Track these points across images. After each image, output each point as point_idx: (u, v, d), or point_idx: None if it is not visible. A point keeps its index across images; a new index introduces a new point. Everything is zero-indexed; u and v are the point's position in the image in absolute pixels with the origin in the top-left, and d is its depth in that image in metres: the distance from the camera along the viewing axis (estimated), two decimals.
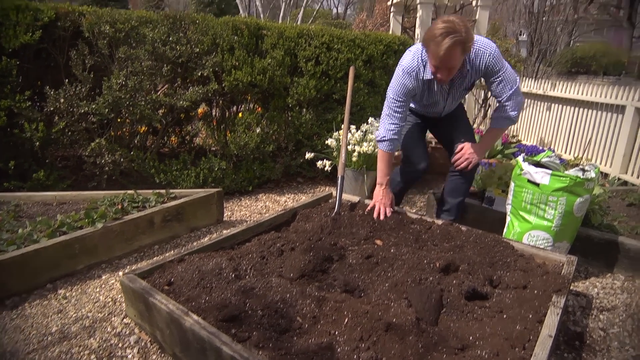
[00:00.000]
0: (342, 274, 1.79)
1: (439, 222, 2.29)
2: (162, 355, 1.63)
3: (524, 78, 6.16)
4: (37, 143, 2.94)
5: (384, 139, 2.32)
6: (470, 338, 1.45)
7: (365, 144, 3.14)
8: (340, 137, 3.16)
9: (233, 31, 3.29)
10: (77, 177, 3.27)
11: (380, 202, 2.33)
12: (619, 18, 25.54)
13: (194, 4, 20.13)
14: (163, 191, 2.74)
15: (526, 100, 5.74)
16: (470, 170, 2.41)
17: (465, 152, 2.38)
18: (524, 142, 5.32)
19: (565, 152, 4.95)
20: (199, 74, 3.23)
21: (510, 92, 2.21)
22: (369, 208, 2.36)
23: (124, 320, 1.84)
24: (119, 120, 3.20)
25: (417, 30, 5.18)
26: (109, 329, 1.78)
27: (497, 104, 2.33)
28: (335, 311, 1.51)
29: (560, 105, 5.06)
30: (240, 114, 3.61)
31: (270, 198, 3.47)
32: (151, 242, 2.51)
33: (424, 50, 2.13)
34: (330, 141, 3.30)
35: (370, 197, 2.82)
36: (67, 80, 3.00)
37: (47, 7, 3.01)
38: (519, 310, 1.58)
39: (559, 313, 1.55)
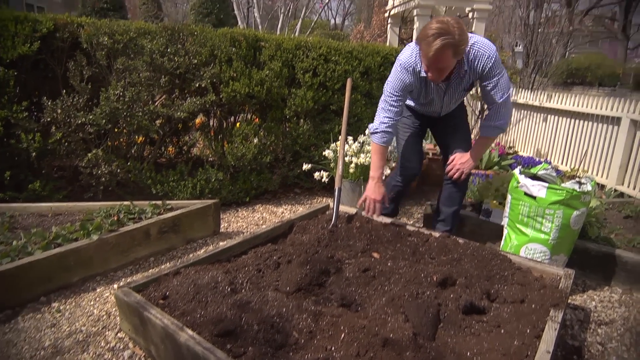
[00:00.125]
0: (339, 288, 1.78)
1: (436, 234, 2.29)
2: None
3: (520, 89, 6.21)
4: (34, 153, 2.93)
5: (377, 130, 2.33)
6: (468, 354, 1.43)
7: (362, 155, 3.14)
8: (338, 148, 3.16)
9: (231, 43, 3.31)
10: (73, 188, 3.25)
11: (370, 197, 2.32)
12: (613, 30, 25.86)
13: (192, 14, 20.28)
14: (159, 202, 2.73)
15: (522, 111, 5.77)
16: (464, 179, 2.42)
17: (456, 163, 2.39)
18: (520, 153, 5.34)
19: (562, 163, 4.97)
20: (197, 85, 3.24)
21: (501, 99, 2.21)
22: (360, 202, 2.36)
23: (118, 334, 1.81)
24: (116, 130, 3.20)
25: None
26: (102, 344, 1.76)
27: (487, 111, 2.32)
28: (332, 326, 1.50)
29: (557, 117, 5.09)
30: (238, 124, 3.62)
31: (267, 209, 3.46)
32: (147, 254, 2.49)
33: None
34: (327, 152, 3.30)
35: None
36: (64, 90, 3.00)
37: (45, 18, 3.02)
38: (517, 325, 1.57)
39: (556, 328, 1.54)
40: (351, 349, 1.38)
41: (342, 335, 1.44)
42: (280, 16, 6.50)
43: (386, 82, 2.30)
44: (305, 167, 3.33)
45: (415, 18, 5.20)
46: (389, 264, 1.95)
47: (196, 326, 1.50)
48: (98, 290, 2.16)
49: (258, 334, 1.46)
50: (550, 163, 4.61)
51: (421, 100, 2.41)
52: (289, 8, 6.76)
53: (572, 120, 4.83)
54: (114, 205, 2.64)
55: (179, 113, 3.16)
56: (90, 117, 2.96)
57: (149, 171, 3.22)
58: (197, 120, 3.76)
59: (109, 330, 1.84)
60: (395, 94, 2.26)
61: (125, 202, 2.67)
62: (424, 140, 4.28)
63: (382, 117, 2.31)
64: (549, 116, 5.23)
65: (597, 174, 4.46)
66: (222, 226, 3.01)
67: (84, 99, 3.01)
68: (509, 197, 2.28)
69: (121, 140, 3.32)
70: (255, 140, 3.43)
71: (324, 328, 1.50)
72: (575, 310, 2.14)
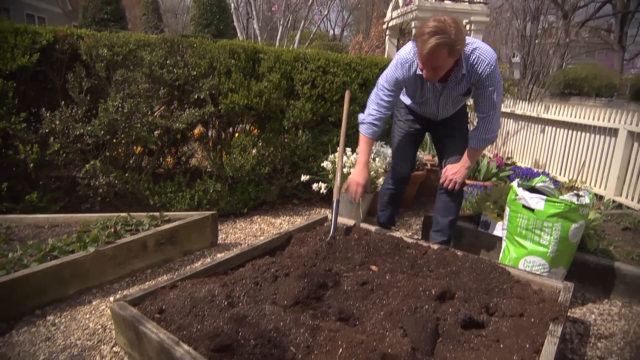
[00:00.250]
0: (337, 302, 1.77)
1: (435, 246, 2.28)
2: None
3: (518, 100, 6.25)
4: (31, 164, 2.93)
5: (363, 121, 2.37)
6: None
7: None
8: (336, 159, 3.16)
9: (230, 55, 3.33)
10: (70, 199, 3.24)
11: (354, 180, 2.34)
12: (609, 41, 26.11)
13: (192, 25, 20.45)
14: (157, 214, 2.72)
15: (520, 122, 5.80)
16: (458, 189, 2.43)
17: (448, 174, 2.40)
18: (518, 164, 5.35)
19: (560, 174, 4.98)
20: (196, 97, 3.25)
21: (492, 110, 2.21)
22: (344, 186, 2.37)
23: (114, 348, 1.79)
24: (114, 141, 3.20)
25: None
26: (98, 358, 1.74)
27: (477, 121, 2.31)
28: (330, 341, 1.49)
29: (554, 128, 5.11)
30: (236, 135, 3.62)
31: (265, 220, 3.45)
32: (144, 266, 2.48)
33: None
34: (325, 163, 3.30)
35: (366, 220, 2.81)
36: (63, 102, 3.01)
37: (45, 30, 3.03)
38: (516, 340, 1.56)
39: (556, 342, 1.53)
40: None
41: (340, 351, 1.42)
42: (280, 28, 6.55)
43: (382, 74, 2.32)
44: (304, 178, 3.33)
45: (413, 30, 5.25)
46: (387, 277, 1.93)
47: (192, 341, 1.48)
48: (94, 303, 2.14)
49: (255, 348, 1.45)
50: (548, 174, 4.62)
51: (417, 98, 2.41)
52: (288, 19, 6.82)
53: (570, 131, 4.86)
54: (111, 217, 2.63)
55: (177, 124, 3.17)
56: (89, 128, 2.97)
57: (146, 182, 3.22)
58: (196, 131, 3.77)
59: (104, 344, 1.82)
60: (387, 87, 2.28)
61: (123, 214, 2.66)
62: (423, 151, 4.30)
63: (370, 109, 2.35)
64: (546, 127, 5.25)
65: (595, 185, 4.47)
66: (220, 237, 3.00)
67: (82, 110, 3.02)
68: (507, 209, 2.28)
69: (119, 150, 3.31)
70: (254, 151, 3.43)
71: (322, 343, 1.48)
72: (574, 324, 2.13)
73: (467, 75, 2.16)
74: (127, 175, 3.15)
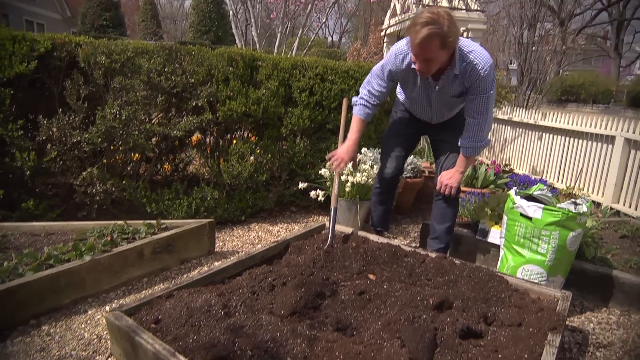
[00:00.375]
0: (334, 311, 1.76)
1: (433, 255, 2.27)
2: None
3: (515, 107, 6.27)
4: (28, 172, 2.92)
5: (356, 103, 2.46)
6: None
7: (358, 174, 3.14)
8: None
9: (228, 62, 3.34)
10: (67, 206, 3.23)
11: (339, 153, 2.40)
12: (606, 48, 26.29)
13: (191, 31, 20.52)
14: (154, 222, 2.71)
15: (518, 129, 5.82)
16: (454, 195, 2.43)
17: (443, 181, 2.41)
18: (516, 171, 5.36)
19: (558, 181, 4.99)
20: (194, 104, 3.25)
21: (483, 116, 2.20)
22: (329, 155, 2.43)
23: (109, 359, 1.78)
24: (112, 148, 3.19)
25: None
26: None
27: (466, 127, 2.29)
28: (327, 352, 1.47)
29: (551, 135, 5.13)
30: (234, 142, 3.62)
31: (263, 228, 3.44)
32: (140, 275, 2.46)
33: None
34: (323, 171, 3.30)
35: (364, 228, 2.80)
36: (61, 109, 3.00)
37: (43, 38, 3.03)
38: (514, 350, 1.55)
39: (554, 352, 1.52)
40: None
41: None
42: (278, 35, 6.57)
43: (378, 63, 2.38)
44: (302, 185, 3.32)
45: None
46: (384, 286, 1.93)
47: (188, 351, 1.47)
48: (89, 312, 2.12)
49: (252, 359, 1.44)
50: (545, 182, 4.62)
51: (410, 93, 2.42)
52: (287, 26, 6.85)
53: (567, 139, 4.87)
54: (107, 225, 2.62)
55: (175, 132, 3.16)
56: (86, 135, 2.96)
57: (144, 190, 3.21)
58: (194, 138, 3.76)
59: (99, 355, 1.80)
60: (379, 75, 2.36)
61: (119, 222, 2.65)
62: (421, 158, 4.30)
63: (362, 94, 2.44)
64: (544, 134, 5.27)
65: (592, 192, 4.47)
66: (217, 245, 2.98)
67: (80, 117, 3.01)
68: (505, 217, 2.27)
69: (117, 158, 3.30)
70: (252, 159, 3.43)
71: (319, 354, 1.47)
72: (573, 333, 2.12)
73: (460, 77, 2.14)
74: (124, 182, 3.14)
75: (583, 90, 20.64)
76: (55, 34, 3.19)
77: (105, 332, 1.95)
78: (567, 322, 2.12)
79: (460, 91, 2.23)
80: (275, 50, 6.53)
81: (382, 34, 6.63)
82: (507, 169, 5.18)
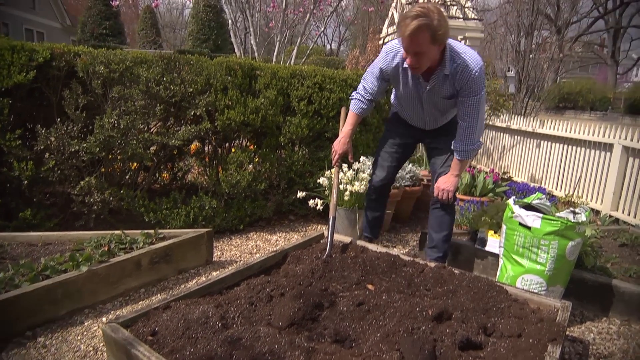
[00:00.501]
0: (333, 323, 1.74)
1: (432, 264, 2.26)
2: None
3: (514, 115, 6.28)
4: (25, 182, 2.91)
5: (352, 97, 2.55)
6: None
7: (357, 183, 3.13)
8: (332, 175, 3.16)
9: (227, 72, 3.34)
10: (64, 216, 3.21)
11: (334, 147, 2.54)
12: (603, 56, 26.47)
13: (190, 40, 20.62)
14: (152, 231, 2.70)
15: (516, 137, 5.83)
16: (451, 202, 2.44)
17: (439, 187, 2.41)
18: (515, 179, 5.36)
19: (556, 189, 4.99)
20: (192, 113, 3.25)
21: (474, 119, 2.21)
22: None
23: None
24: (110, 157, 3.19)
25: None
26: None
27: (458, 130, 2.31)
28: None
29: (550, 143, 5.14)
30: (233, 150, 3.62)
31: (261, 237, 3.43)
32: (137, 285, 2.44)
33: None
34: (322, 180, 3.29)
35: (363, 237, 2.79)
36: (59, 119, 3.00)
37: (42, 48, 3.04)
38: None
39: None
40: None
41: None
42: (277, 43, 6.59)
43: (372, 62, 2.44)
44: (300, 194, 3.31)
45: None
46: (383, 296, 1.91)
47: None
48: (86, 324, 2.10)
49: None
50: (544, 190, 4.62)
51: (402, 92, 2.43)
52: (285, 35, 6.88)
53: (566, 146, 4.88)
54: (105, 235, 2.61)
55: (173, 141, 3.16)
56: (84, 145, 2.96)
57: (142, 199, 3.20)
58: (192, 146, 3.76)
59: None
60: (373, 73, 2.42)
61: (117, 232, 2.64)
62: (419, 167, 4.30)
63: (358, 88, 2.52)
64: (542, 142, 5.28)
65: (591, 200, 4.47)
66: (215, 255, 2.97)
67: (78, 126, 3.01)
68: (504, 227, 2.27)
69: (115, 167, 3.30)
70: (250, 167, 3.42)
71: None
72: (573, 343, 2.11)
73: (451, 77, 2.16)
74: (122, 191, 3.13)
75: (580, 98, 20.74)
76: (54, 43, 3.20)
77: (101, 344, 1.93)
78: (567, 332, 2.11)
79: (451, 93, 2.25)
80: (274, 59, 6.55)
81: (381, 42, 6.67)
82: (505, 176, 5.18)
